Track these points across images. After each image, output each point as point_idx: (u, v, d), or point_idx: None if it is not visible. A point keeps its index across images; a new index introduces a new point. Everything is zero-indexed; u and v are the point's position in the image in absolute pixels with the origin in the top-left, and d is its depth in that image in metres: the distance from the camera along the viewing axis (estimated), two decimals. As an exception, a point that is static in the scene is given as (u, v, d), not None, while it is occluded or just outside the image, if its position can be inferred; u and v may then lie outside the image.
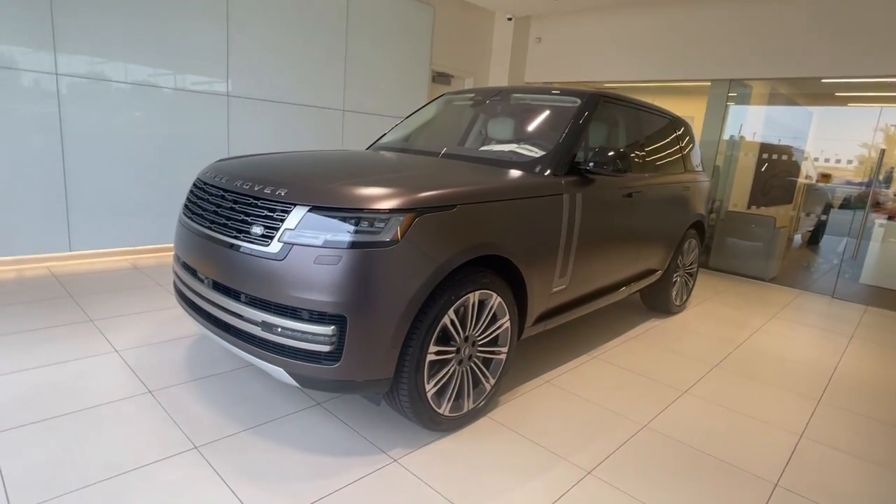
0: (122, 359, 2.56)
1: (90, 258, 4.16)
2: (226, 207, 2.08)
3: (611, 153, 2.64)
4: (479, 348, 2.23)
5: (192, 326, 3.00)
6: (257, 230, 1.92)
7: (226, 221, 2.05)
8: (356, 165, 2.50)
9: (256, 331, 1.90)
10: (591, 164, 2.65)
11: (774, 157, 7.93)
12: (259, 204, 1.96)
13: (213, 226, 2.10)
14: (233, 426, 2.09)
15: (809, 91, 7.75)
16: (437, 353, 2.02)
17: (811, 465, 2.20)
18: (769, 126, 7.29)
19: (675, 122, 3.99)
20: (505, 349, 2.34)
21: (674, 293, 4.05)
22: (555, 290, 2.60)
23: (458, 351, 2.12)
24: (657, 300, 4.03)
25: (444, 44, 6.58)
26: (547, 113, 3.02)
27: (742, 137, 6.77)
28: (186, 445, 1.94)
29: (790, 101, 7.84)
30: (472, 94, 3.43)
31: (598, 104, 2.94)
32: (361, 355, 1.82)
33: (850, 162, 8.44)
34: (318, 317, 1.80)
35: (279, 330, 1.85)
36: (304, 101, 5.24)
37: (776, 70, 5.48)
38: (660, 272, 3.78)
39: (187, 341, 2.82)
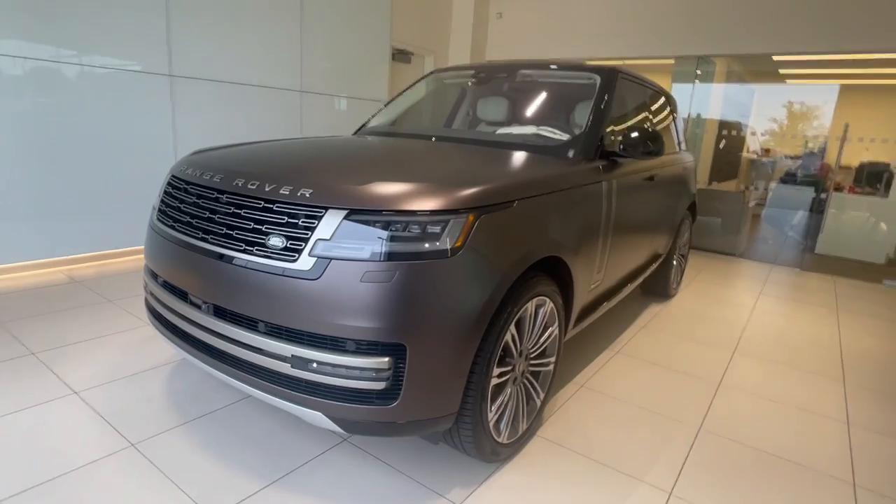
0: (85, 402, 2.07)
1: (14, 272, 3.48)
2: (226, 213, 1.66)
3: (642, 134, 2.42)
4: (531, 361, 1.95)
5: (165, 350, 2.52)
6: (277, 242, 1.52)
7: (227, 231, 1.63)
8: (376, 156, 2.12)
9: (284, 368, 1.52)
10: (622, 146, 2.41)
11: (725, 133, 8.14)
12: (275, 208, 1.56)
13: (209, 237, 1.67)
14: (252, 482, 1.70)
15: (757, 69, 7.98)
16: (500, 374, 1.72)
17: (877, 459, 2.12)
18: (725, 104, 7.44)
19: (670, 100, 3.84)
20: (553, 358, 2.08)
21: (672, 276, 3.95)
22: (593, 285, 2.37)
23: (513, 368, 1.83)
24: (656, 285, 3.91)
25: (403, 20, 6.13)
26: (565, 92, 2.75)
27: (698, 115, 6.84)
28: (199, 516, 1.54)
29: (740, 79, 8.04)
30: (472, 72, 3.09)
31: (616, 81, 2.70)
32: (424, 390, 1.49)
33: (793, 137, 8.83)
34: (368, 347, 1.45)
35: (315, 366, 1.48)
36: (258, 81, 4.66)
37: (745, 46, 5.50)
38: (663, 256, 3.65)
39: (164, 371, 2.35)
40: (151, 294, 1.99)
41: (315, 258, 1.45)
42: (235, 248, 1.59)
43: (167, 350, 2.53)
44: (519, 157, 2.16)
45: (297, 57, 4.97)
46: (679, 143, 4.08)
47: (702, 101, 6.47)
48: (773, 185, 8.79)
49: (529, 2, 6.77)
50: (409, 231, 1.46)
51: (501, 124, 2.74)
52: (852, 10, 4.87)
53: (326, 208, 1.49)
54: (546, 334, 1.99)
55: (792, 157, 9.07)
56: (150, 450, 1.81)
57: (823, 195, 6.95)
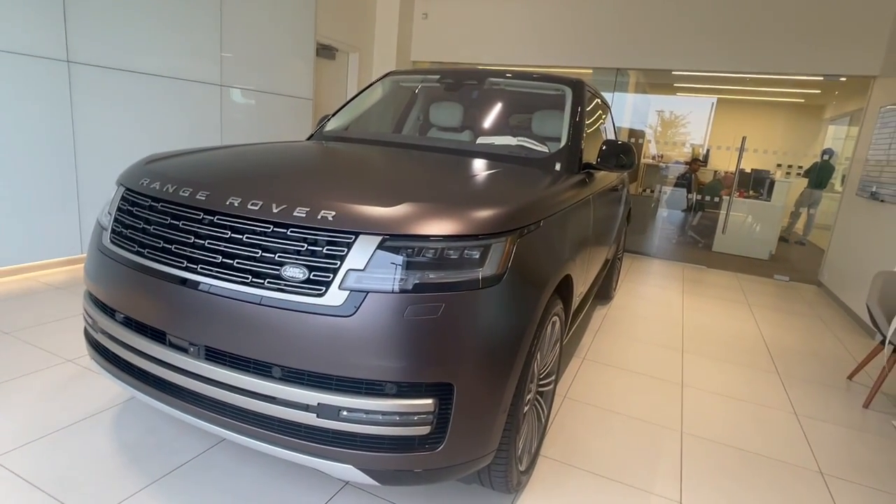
0: (10, 470, 1.66)
1: None
2: (220, 238, 1.40)
3: (616, 147, 2.47)
4: (540, 381, 1.90)
5: (101, 392, 2.11)
6: (295, 273, 1.31)
7: (223, 259, 1.38)
8: (377, 170, 1.94)
9: (307, 418, 1.31)
10: (598, 159, 2.44)
11: (632, 140, 8.76)
12: (290, 234, 1.34)
13: (197, 266, 1.40)
14: (255, 549, 1.46)
15: (657, 81, 8.69)
16: (527, 402, 1.64)
17: (830, 446, 2.35)
18: (633, 113, 8.00)
19: (605, 105, 4.00)
20: (555, 375, 2.05)
21: (614, 279, 4.14)
22: (577, 295, 2.37)
23: (530, 391, 1.77)
24: (601, 288, 4.07)
25: (327, 14, 5.81)
26: (537, 101, 2.73)
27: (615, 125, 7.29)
28: None
29: (643, 90, 8.69)
30: (437, 77, 2.96)
31: (584, 92, 2.73)
32: (470, 431, 1.37)
33: (684, 145, 9.74)
34: (410, 389, 1.30)
35: (346, 414, 1.30)
36: (172, 72, 4.14)
37: (651, 62, 5.93)
38: (611, 261, 3.81)
39: (104, 418, 1.97)
40: (101, 331, 1.64)
41: (348, 291, 1.27)
42: (236, 279, 1.35)
43: (105, 391, 2.13)
44: (520, 171, 2.09)
45: (217, 48, 4.49)
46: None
47: (618, 110, 6.89)
48: (666, 188, 9.63)
49: (455, 5, 6.75)
50: (450, 258, 1.33)
51: (473, 133, 2.65)
52: (738, 35, 5.45)
53: (357, 234, 1.31)
54: (553, 352, 1.95)
55: (683, 163, 10.01)
56: (117, 524, 1.50)
57: (717, 199, 7.75)
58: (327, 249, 1.31)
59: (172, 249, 1.45)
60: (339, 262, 1.29)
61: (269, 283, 1.32)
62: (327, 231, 1.32)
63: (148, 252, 1.50)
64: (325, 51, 6.07)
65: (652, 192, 8.76)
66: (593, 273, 2.82)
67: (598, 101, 3.33)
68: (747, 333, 3.78)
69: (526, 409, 1.67)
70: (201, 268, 1.40)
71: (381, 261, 1.29)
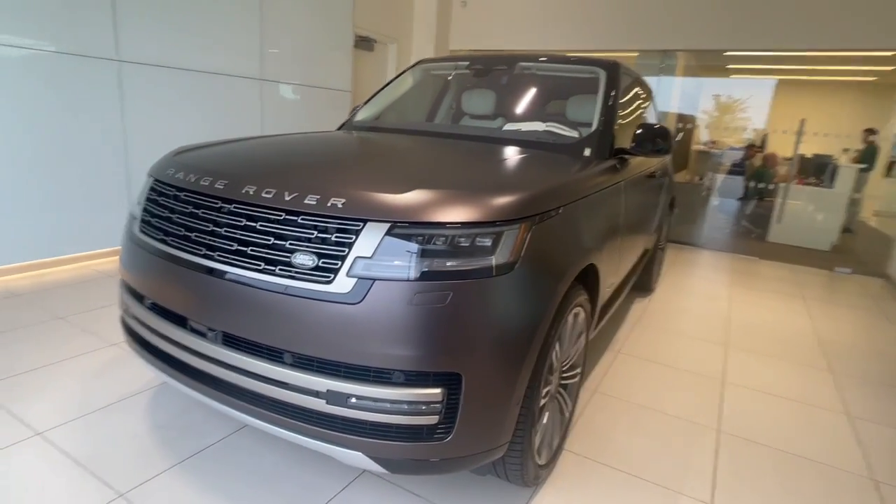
0: (54, 444, 1.77)
1: (-62, 287, 3.00)
2: (236, 226, 1.43)
3: (651, 131, 2.35)
4: (563, 374, 1.84)
5: (140, 375, 2.22)
6: (305, 260, 1.31)
7: (238, 247, 1.40)
8: (396, 158, 1.93)
9: (317, 404, 1.32)
10: (633, 144, 2.33)
11: (681, 126, 8.39)
12: (300, 221, 1.35)
13: (215, 253, 1.43)
14: (271, 531, 1.50)
15: (708, 63, 8.25)
16: (546, 394, 1.60)
17: (888, 452, 2.18)
18: (682, 97, 7.65)
19: (650, 94, 3.83)
20: (580, 368, 1.98)
21: (655, 271, 3.98)
22: (607, 287, 2.29)
23: (549, 385, 1.71)
24: (641, 280, 3.92)
25: (365, 5, 5.83)
26: (567, 86, 2.64)
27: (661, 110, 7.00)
28: (218, 580, 1.33)
29: (693, 73, 8.28)
30: (466, 63, 2.92)
31: (619, 75, 2.61)
32: (480, 422, 1.34)
33: (742, 130, 9.24)
34: (418, 378, 1.28)
35: (354, 401, 1.30)
36: (215, 68, 4.27)
37: (712, 41, 5.61)
38: (651, 251, 3.66)
39: (141, 400, 2.06)
40: (133, 317, 1.71)
41: (355, 279, 1.27)
42: (250, 266, 1.37)
43: (142, 375, 2.23)
44: (545, 157, 2.03)
45: (257, 43, 4.60)
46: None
47: (664, 95, 6.60)
48: (720, 176, 9.15)
49: (493, -9, 6.63)
50: (461, 245, 1.29)
51: (505, 119, 2.59)
52: (795, 10, 5.07)
53: (365, 221, 1.30)
54: (577, 344, 1.88)
55: (738, 149, 9.49)
56: (143, 499, 1.56)
57: (771, 186, 7.31)
58: (336, 237, 1.31)
59: (193, 237, 1.49)
60: (347, 250, 1.29)
61: (280, 269, 1.34)
62: (337, 218, 1.32)
63: (171, 240, 1.54)
64: (363, 42, 6.11)
65: (701, 179, 8.36)
66: (628, 264, 2.71)
67: (639, 85, 3.19)
68: (799, 328, 3.55)
69: (545, 401, 1.62)
70: (218, 255, 1.43)
71: (388, 248, 1.28)
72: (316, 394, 1.32)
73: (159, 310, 1.59)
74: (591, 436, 2.09)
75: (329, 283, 1.28)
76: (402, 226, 1.29)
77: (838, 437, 2.25)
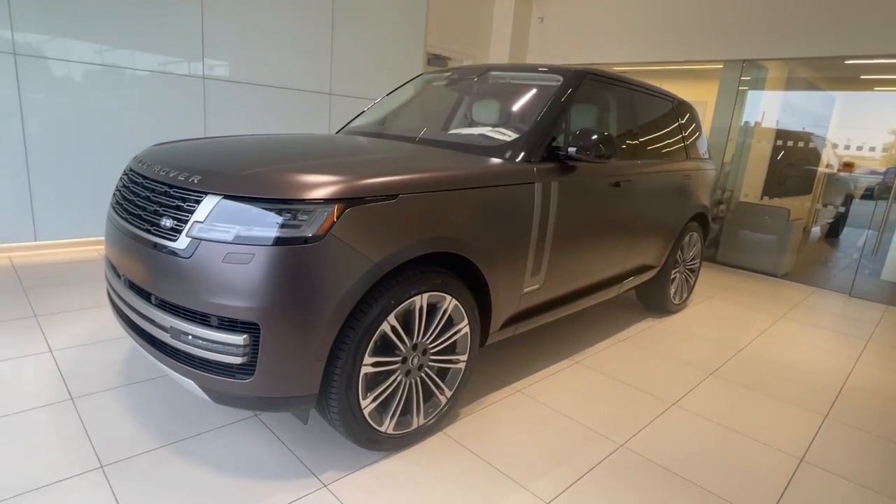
0: (55, 360, 2.36)
1: (56, 248, 3.98)
2: (142, 197, 1.85)
3: (593, 137, 2.34)
4: (432, 357, 1.97)
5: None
6: (167, 223, 1.68)
7: (140, 213, 1.81)
8: (296, 150, 2.23)
9: (166, 337, 1.67)
10: (571, 149, 2.36)
11: (790, 144, 7.48)
12: (171, 192, 1.72)
13: (130, 218, 1.86)
14: (152, 441, 1.87)
15: (831, 74, 7.27)
16: (376, 364, 1.77)
17: (808, 499, 1.92)
18: (787, 112, 6.85)
19: (679, 107, 3.65)
20: (464, 357, 2.08)
21: (672, 291, 3.74)
22: (526, 290, 2.33)
23: (404, 361, 1.87)
24: (653, 298, 3.72)
25: (440, 24, 6.26)
26: (525, 92, 2.73)
27: (757, 123, 6.36)
28: (92, 464, 1.73)
29: (810, 86, 7.36)
30: (448, 73, 3.14)
31: (582, 83, 2.63)
32: (278, 369, 1.58)
33: (872, 150, 7.95)
34: (227, 324, 1.56)
35: (189, 338, 1.62)
36: (287, 83, 4.98)
37: (793, 50, 5.07)
38: (656, 269, 3.47)
39: (128, 342, 2.61)
40: (109, 284, 2.22)
41: (190, 239, 1.59)
42: (143, 228, 1.77)
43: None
44: (443, 156, 2.19)
45: (328, 60, 5.24)
46: (700, 153, 3.87)
47: (752, 109, 6.02)
48: (853, 202, 7.90)
49: (572, 6, 6.64)
50: (274, 217, 1.55)
51: (462, 125, 2.76)
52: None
53: (206, 193, 1.62)
54: (452, 331, 2.00)
55: (878, 173, 8.12)
56: (82, 404, 2.05)
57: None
58: (187, 206, 1.65)
59: (124, 206, 1.95)
60: (190, 216, 1.62)
61: (154, 230, 1.71)
62: (191, 191, 1.66)
63: (117, 209, 2.02)
64: (436, 60, 6.53)
65: (825, 206, 7.29)
66: (582, 274, 2.68)
67: (630, 92, 3.11)
68: (830, 371, 3.09)
69: (377, 370, 1.78)
70: (131, 219, 1.85)
71: (216, 215, 1.58)
72: (164, 329, 1.66)
73: (109, 263, 2.07)
74: (479, 427, 2.16)
75: (174, 241, 1.62)
76: (230, 198, 1.59)
77: (767, 477, 2.02)
